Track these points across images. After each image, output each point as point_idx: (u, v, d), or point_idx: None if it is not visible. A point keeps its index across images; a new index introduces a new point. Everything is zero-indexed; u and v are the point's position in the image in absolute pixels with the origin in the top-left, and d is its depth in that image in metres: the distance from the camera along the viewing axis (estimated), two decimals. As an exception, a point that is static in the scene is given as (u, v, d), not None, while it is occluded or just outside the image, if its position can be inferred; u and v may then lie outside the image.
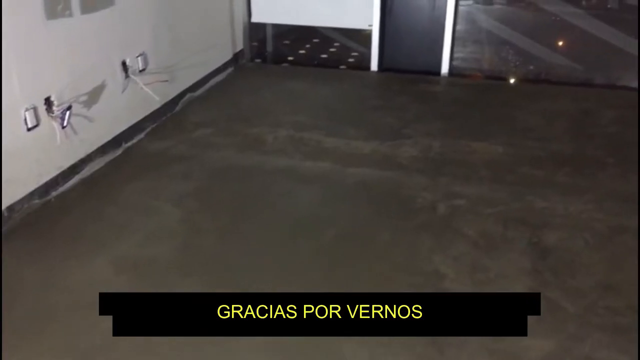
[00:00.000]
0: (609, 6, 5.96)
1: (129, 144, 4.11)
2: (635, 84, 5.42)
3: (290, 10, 5.84)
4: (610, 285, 2.72)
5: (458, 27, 5.74)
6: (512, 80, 5.76)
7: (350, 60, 6.26)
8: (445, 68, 5.69)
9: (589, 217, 3.27)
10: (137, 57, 4.10)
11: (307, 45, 6.57)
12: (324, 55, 6.41)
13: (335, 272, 2.84)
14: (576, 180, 3.70)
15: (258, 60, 6.29)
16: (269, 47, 6.42)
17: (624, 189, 3.56)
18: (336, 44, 6.52)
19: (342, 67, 6.12)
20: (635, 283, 2.73)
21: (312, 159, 3.97)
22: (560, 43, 6.00)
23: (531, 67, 5.80)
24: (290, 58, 6.32)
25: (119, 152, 3.99)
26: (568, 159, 3.96)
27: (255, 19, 5.99)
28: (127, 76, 4.00)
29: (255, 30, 6.19)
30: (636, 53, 5.56)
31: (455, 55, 5.83)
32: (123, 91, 4.00)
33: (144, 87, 4.08)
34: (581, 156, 4.00)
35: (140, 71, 4.13)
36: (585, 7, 5.89)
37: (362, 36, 5.93)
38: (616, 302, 2.61)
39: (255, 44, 6.26)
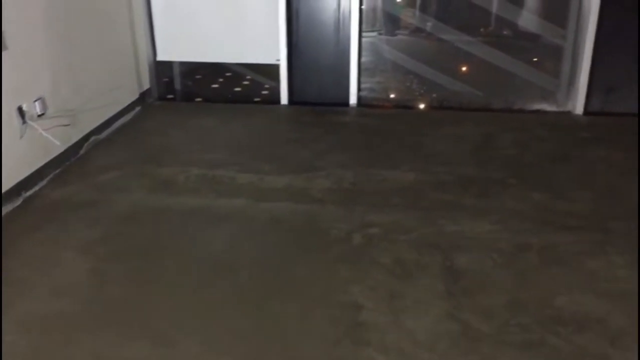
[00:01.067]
0: (504, 33, 6.35)
1: (30, 192, 3.89)
2: (530, 107, 5.78)
3: (196, 48, 5.81)
4: (519, 303, 2.82)
5: (363, 59, 5.90)
6: (418, 108, 5.97)
7: (264, 93, 6.28)
8: (353, 99, 5.82)
9: (496, 237, 3.40)
10: (35, 101, 3.92)
11: (219, 80, 6.55)
12: (238, 89, 6.41)
13: (253, 311, 2.78)
14: (482, 202, 3.85)
15: (168, 98, 6.18)
16: (178, 85, 6.34)
17: (525, 208, 3.74)
18: (248, 78, 6.53)
19: (255, 101, 6.13)
20: (541, 298, 2.85)
21: (226, 196, 3.91)
22: (460, 70, 6.30)
23: (434, 95, 6.05)
24: (201, 95, 6.25)
25: (18, 202, 3.77)
26: (474, 182, 4.12)
27: (160, 57, 5.90)
28: (24, 122, 3.81)
29: (164, 68, 6.10)
30: (529, 77, 5.94)
31: (363, 85, 5.98)
32: (21, 137, 3.80)
33: (43, 132, 3.90)
34: (485, 178, 4.18)
35: (39, 116, 3.95)
36: (483, 34, 6.25)
37: (273, 70, 5.97)
38: (525, 318, 2.71)
39: (166, 79, 6.16)
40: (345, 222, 3.58)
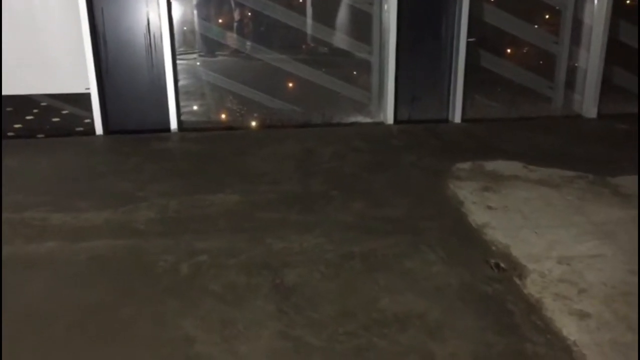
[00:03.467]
0: (319, 51, 6.62)
1: None
2: (346, 120, 6.08)
3: (-6, 80, 5.31)
4: (347, 311, 2.92)
5: (182, 82, 5.81)
6: (241, 128, 5.99)
7: (87, 122, 5.81)
8: (174, 124, 5.69)
9: (322, 250, 3.50)
10: None
11: (29, 117, 5.98)
12: (56, 119, 5.89)
13: (73, 364, 2.56)
14: (307, 216, 3.95)
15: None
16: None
17: (347, 218, 3.92)
18: (64, 112, 6.03)
19: (77, 132, 5.69)
20: (366, 303, 2.98)
21: (36, 241, 3.59)
22: (280, 89, 6.46)
23: (256, 115, 6.12)
24: (12, 130, 5.67)
25: None
26: (298, 198, 4.22)
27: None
28: None
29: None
30: (343, 92, 6.26)
31: (183, 109, 5.88)
32: None
33: None
34: (309, 193, 4.31)
35: None
36: (299, 53, 6.46)
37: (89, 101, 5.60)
38: (352, 325, 2.81)
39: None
40: (172, 252, 3.46)
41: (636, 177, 4.46)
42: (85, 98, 5.59)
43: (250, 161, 4.93)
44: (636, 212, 3.89)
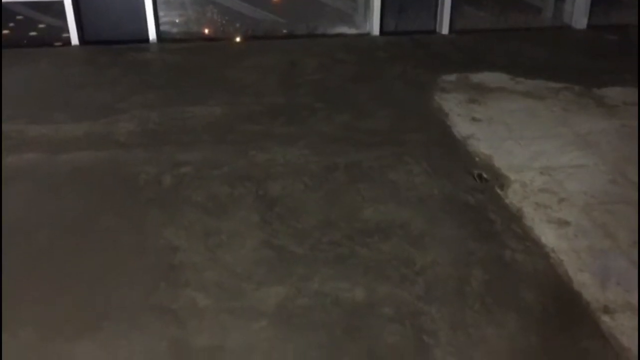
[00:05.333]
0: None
1: None
2: (331, 31, 5.91)
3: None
4: (330, 221, 2.95)
5: (161, -10, 5.56)
6: (223, 40, 5.81)
7: (65, 36, 5.55)
8: (153, 34, 5.49)
9: (306, 161, 3.49)
10: None
11: (5, 31, 5.65)
12: (33, 33, 5.62)
13: (57, 273, 2.58)
14: (291, 128, 3.91)
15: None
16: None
17: (332, 130, 3.88)
18: (41, 26, 5.73)
19: (56, 45, 5.45)
20: (349, 214, 3.00)
21: (15, 152, 3.53)
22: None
23: (238, 25, 5.91)
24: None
25: None
26: (282, 110, 4.16)
27: None
28: None
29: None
30: (328, 1, 6.04)
31: (163, 19, 5.66)
32: None
33: None
34: (293, 105, 4.24)
35: None
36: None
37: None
38: (335, 235, 2.84)
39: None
40: (154, 164, 3.43)
41: (621, 88, 4.44)
42: (59, 6, 5.33)
43: (233, 73, 4.80)
44: (620, 122, 3.89)
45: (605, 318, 2.34)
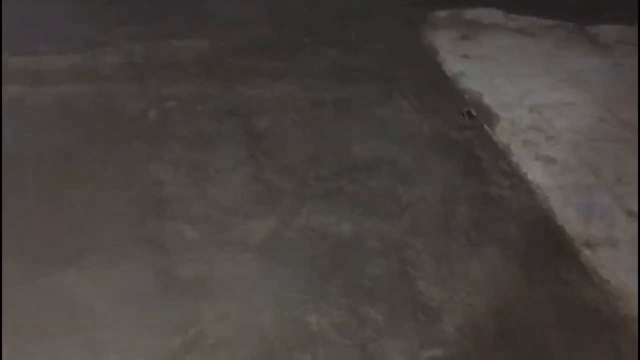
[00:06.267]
0: None
1: None
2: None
3: None
4: (317, 157, 2.94)
5: None
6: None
7: None
8: (137, -36, 5.28)
9: (293, 97, 3.44)
10: None
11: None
12: None
13: (43, 204, 2.57)
14: (279, 64, 3.83)
15: None
16: None
17: (321, 66, 3.81)
18: None
19: None
20: (337, 150, 2.98)
21: (-4, 85, 3.45)
22: None
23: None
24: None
25: None
26: (270, 45, 4.07)
27: None
28: None
29: None
30: None
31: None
32: None
33: None
34: (281, 40, 4.14)
35: None
36: None
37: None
38: (323, 170, 2.84)
39: None
40: (140, 98, 3.37)
41: (614, 26, 4.37)
42: None
43: (220, 6, 4.66)
44: (612, 60, 3.85)
45: (587, 252, 2.38)
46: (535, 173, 2.82)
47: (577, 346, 2.05)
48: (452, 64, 3.84)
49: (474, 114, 3.32)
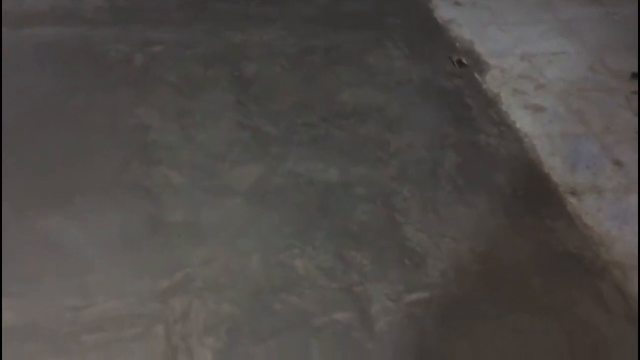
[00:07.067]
0: None
1: None
2: None
3: None
4: (306, 103, 2.90)
5: None
6: None
7: None
8: None
9: (283, 44, 3.37)
10: None
11: None
12: None
13: (25, 151, 2.54)
14: (268, 9, 3.74)
15: None
16: None
17: (311, 12, 3.71)
18: None
19: None
20: (326, 97, 2.95)
21: (-24, 27, 3.35)
22: None
23: None
24: None
25: None
26: (259, -11, 3.97)
27: None
28: None
29: None
30: None
31: None
32: None
33: None
34: (271, -16, 4.04)
35: None
36: None
37: None
38: (311, 117, 2.81)
39: None
40: (124, 42, 3.29)
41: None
42: None
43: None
44: (604, 9, 3.80)
45: (572, 200, 2.41)
46: (524, 122, 2.82)
47: (559, 289, 2.09)
48: (444, 12, 3.78)
49: (465, 62, 3.29)
